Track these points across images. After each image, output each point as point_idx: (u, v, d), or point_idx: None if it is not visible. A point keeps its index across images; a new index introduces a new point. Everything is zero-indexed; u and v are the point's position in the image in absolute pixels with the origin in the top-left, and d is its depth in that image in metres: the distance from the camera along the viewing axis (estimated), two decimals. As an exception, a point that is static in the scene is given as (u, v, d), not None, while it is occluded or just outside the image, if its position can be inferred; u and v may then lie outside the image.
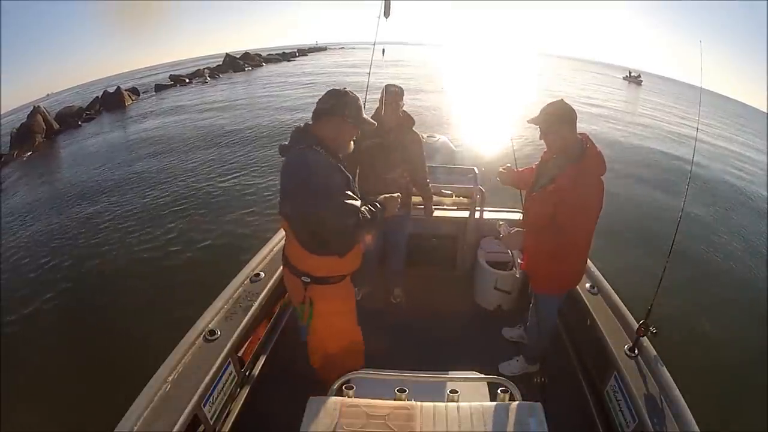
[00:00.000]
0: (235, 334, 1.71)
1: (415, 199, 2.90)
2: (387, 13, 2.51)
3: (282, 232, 2.47)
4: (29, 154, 12.92)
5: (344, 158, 1.53)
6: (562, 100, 1.64)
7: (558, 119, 1.62)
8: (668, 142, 12.18)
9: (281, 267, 2.17)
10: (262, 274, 2.10)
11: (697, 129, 2.93)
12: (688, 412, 1.39)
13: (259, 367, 2.03)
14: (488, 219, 2.86)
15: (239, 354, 1.85)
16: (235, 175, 7.61)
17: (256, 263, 2.19)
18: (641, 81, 41.67)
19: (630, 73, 45.10)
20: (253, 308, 1.88)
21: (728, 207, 7.18)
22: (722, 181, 8.91)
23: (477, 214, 2.81)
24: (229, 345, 1.66)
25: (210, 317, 1.76)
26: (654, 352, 1.64)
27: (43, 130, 14.53)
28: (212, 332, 1.67)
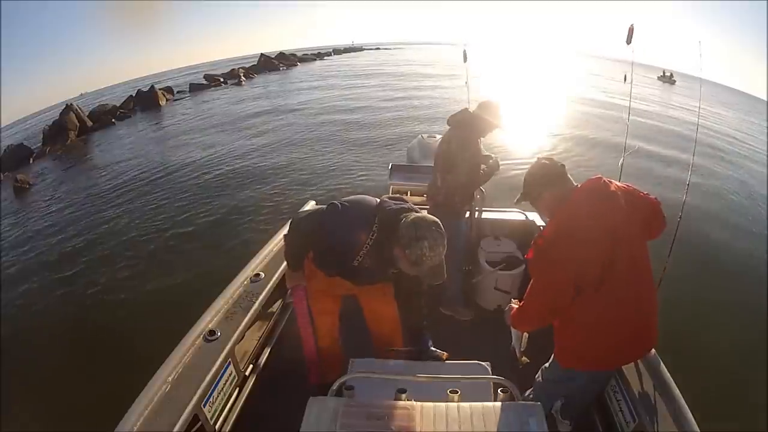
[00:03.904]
0: (235, 334, 1.71)
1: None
2: None
3: (283, 233, 2.48)
4: (62, 150, 13.00)
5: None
6: (539, 161, 1.45)
7: (535, 185, 1.41)
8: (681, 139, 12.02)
9: (281, 267, 2.19)
10: (262, 275, 2.10)
11: (697, 128, 2.92)
12: (688, 411, 1.39)
13: (259, 367, 2.03)
14: (488, 219, 2.86)
15: (239, 354, 1.85)
16: (247, 177, 7.60)
17: (256, 263, 2.19)
18: (674, 81, 41.83)
19: (664, 73, 45.46)
20: (253, 308, 1.88)
21: (729, 203, 7.17)
22: (724, 176, 8.88)
23: (477, 214, 2.81)
24: (229, 345, 1.66)
25: (210, 317, 1.76)
26: (654, 352, 1.64)
27: (76, 127, 14.62)
28: (212, 332, 1.68)
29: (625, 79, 2.79)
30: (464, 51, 3.19)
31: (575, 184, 1.40)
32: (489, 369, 1.60)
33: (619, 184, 1.41)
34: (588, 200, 1.33)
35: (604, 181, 1.36)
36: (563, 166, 1.40)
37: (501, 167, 2.56)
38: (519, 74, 28.97)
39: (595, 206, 1.31)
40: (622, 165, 2.37)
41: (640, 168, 8.46)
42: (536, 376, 1.71)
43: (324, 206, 1.56)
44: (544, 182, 1.39)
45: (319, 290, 1.76)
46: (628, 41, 2.32)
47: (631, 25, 2.32)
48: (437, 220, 1.35)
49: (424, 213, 1.39)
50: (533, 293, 1.42)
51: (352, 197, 1.56)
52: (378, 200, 1.52)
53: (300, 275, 1.75)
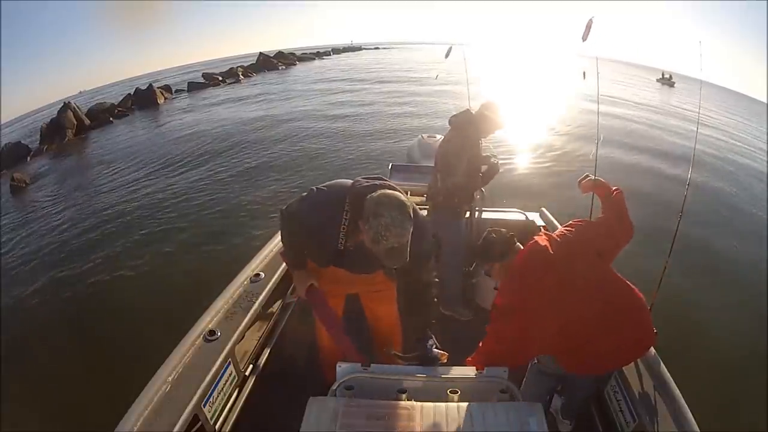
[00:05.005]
0: (235, 334, 1.71)
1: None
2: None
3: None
4: (59, 148, 13.00)
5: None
6: (488, 234, 1.58)
7: (487, 260, 1.58)
8: (676, 139, 12.04)
9: (281, 267, 2.18)
10: (262, 275, 2.10)
11: (697, 129, 2.92)
12: (688, 411, 1.39)
13: (259, 367, 2.03)
14: (488, 219, 2.86)
15: (239, 354, 1.85)
16: (246, 178, 7.59)
17: (256, 263, 2.19)
18: (674, 83, 41.71)
19: (663, 74, 45.32)
20: (253, 308, 1.88)
21: (730, 203, 7.17)
22: (724, 176, 8.89)
23: (477, 215, 2.81)
24: (229, 345, 1.65)
25: (210, 317, 1.76)
26: (654, 352, 1.64)
27: (73, 126, 14.63)
28: (212, 332, 1.67)
29: (584, 76, 2.81)
30: (449, 48, 3.23)
31: (521, 248, 1.51)
32: (489, 369, 1.60)
33: (556, 234, 1.50)
34: (528, 271, 1.44)
35: (541, 246, 1.46)
36: (512, 236, 1.54)
37: (502, 168, 2.56)
38: (518, 76, 28.94)
39: (535, 276, 1.42)
40: (596, 164, 2.34)
41: (638, 169, 8.50)
42: (532, 360, 1.74)
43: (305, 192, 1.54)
44: (494, 256, 1.54)
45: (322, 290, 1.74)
46: (584, 38, 2.18)
47: (590, 19, 2.17)
48: (405, 202, 1.26)
49: (396, 192, 1.29)
50: (494, 339, 1.58)
51: (329, 182, 1.53)
52: (352, 181, 1.48)
53: (306, 274, 1.67)
